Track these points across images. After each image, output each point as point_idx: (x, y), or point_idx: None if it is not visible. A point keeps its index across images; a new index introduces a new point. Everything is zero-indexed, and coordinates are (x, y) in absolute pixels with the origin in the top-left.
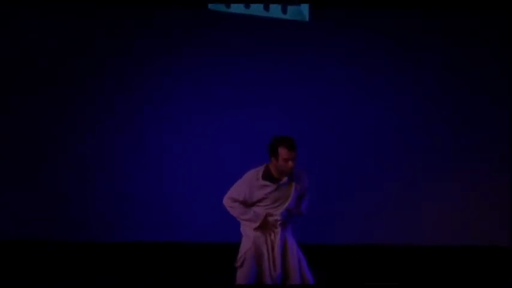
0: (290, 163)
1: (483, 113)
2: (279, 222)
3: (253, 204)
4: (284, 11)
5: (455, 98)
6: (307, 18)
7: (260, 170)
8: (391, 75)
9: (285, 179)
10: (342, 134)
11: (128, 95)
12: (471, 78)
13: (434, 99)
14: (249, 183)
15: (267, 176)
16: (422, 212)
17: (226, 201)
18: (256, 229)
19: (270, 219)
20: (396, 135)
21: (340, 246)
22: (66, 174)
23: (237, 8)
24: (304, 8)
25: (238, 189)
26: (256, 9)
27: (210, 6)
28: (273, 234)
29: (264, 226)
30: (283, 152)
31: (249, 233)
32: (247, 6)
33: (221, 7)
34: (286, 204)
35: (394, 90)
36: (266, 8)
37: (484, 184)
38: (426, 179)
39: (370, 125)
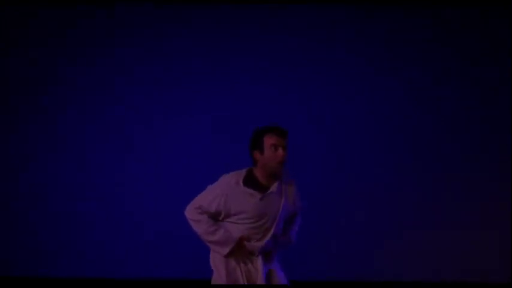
0: (280, 151)
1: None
2: (258, 251)
3: (227, 218)
4: None
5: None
6: None
7: (241, 173)
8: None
9: (274, 186)
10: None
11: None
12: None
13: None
14: (225, 189)
15: (251, 181)
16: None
17: (190, 211)
18: (228, 258)
19: (248, 245)
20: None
21: (327, 282)
22: None
23: None
24: None
25: (209, 197)
26: None
27: None
28: (251, 266)
29: (239, 253)
30: (270, 139)
31: (219, 267)
32: None
33: None
34: (274, 226)
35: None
36: None
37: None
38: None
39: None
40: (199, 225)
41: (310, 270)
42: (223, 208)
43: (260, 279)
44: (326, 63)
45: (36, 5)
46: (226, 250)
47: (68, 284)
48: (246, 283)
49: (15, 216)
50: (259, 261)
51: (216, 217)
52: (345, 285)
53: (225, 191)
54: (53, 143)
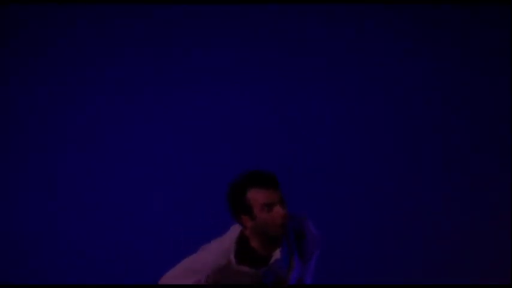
0: (278, 209)
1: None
2: None
3: None
4: None
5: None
6: None
7: (230, 242)
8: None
9: (276, 254)
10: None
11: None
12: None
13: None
14: (212, 273)
15: (246, 254)
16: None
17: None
18: None
19: None
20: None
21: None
22: None
23: None
24: None
25: (190, 275)
26: None
27: None
28: None
29: None
30: (256, 196)
31: None
32: None
33: None
34: None
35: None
36: None
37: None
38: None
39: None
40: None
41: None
42: None
43: None
44: (325, 64)
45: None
46: None
47: None
48: None
49: None
50: None
51: None
52: None
53: (211, 276)
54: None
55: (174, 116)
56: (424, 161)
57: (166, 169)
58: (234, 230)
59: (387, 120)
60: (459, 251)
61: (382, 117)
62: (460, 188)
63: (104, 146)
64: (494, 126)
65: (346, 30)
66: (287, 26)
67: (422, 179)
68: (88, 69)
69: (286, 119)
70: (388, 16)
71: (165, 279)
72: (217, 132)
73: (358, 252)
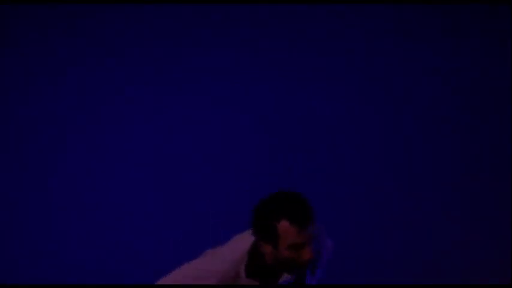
0: (306, 251)
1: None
2: None
3: None
4: None
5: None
6: None
7: (241, 253)
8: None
9: (288, 276)
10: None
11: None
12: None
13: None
14: (218, 281)
15: (256, 267)
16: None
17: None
18: None
19: None
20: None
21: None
22: None
23: None
24: None
25: (192, 282)
26: None
27: None
28: None
29: None
30: (287, 232)
31: None
32: None
33: None
34: None
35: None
36: None
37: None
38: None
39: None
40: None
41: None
42: None
43: None
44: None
45: None
46: None
47: None
48: None
49: None
50: None
51: None
52: None
53: (216, 283)
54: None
55: (173, 116)
56: (424, 161)
57: (165, 169)
58: (245, 239)
59: (387, 121)
60: (459, 251)
61: (382, 117)
62: (460, 187)
63: (104, 146)
64: (495, 126)
65: (347, 30)
66: (287, 26)
67: (422, 179)
68: (86, 68)
69: (286, 119)
70: (388, 16)
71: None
72: (217, 132)
73: (358, 252)
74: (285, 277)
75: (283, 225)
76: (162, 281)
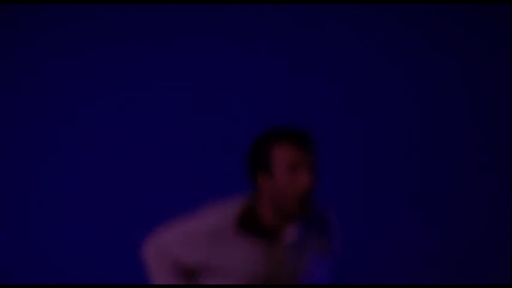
0: (303, 174)
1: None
2: None
3: (203, 278)
4: None
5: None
6: None
7: (234, 207)
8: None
9: (290, 232)
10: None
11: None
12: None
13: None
14: (208, 234)
15: (250, 221)
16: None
17: (151, 247)
18: None
19: None
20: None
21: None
22: None
23: None
24: None
25: (181, 238)
26: None
27: None
28: None
29: None
30: (283, 152)
31: None
32: None
33: None
34: None
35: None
36: None
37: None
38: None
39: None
40: (157, 271)
41: None
42: (201, 262)
43: None
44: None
45: None
46: None
47: None
48: None
49: None
50: None
51: (184, 272)
52: None
53: (207, 237)
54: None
55: (173, 116)
56: (424, 161)
57: (164, 168)
58: (217, 213)
59: (387, 120)
60: (459, 251)
61: (382, 117)
62: (460, 187)
63: (104, 145)
64: (495, 126)
65: (346, 30)
66: (286, 25)
67: (422, 179)
68: (85, 67)
69: (285, 120)
70: (387, 16)
71: (155, 245)
72: (218, 132)
73: (358, 252)
74: (288, 233)
75: (276, 148)
76: (155, 242)
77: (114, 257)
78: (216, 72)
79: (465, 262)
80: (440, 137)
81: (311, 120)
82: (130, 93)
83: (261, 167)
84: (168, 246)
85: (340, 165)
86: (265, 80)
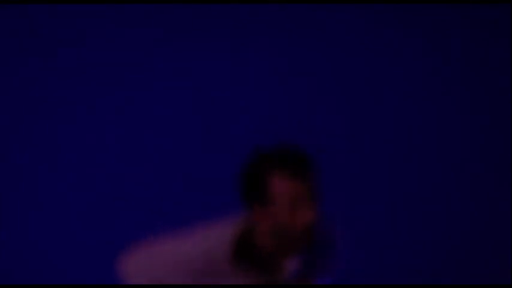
0: (303, 210)
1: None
2: None
3: None
4: None
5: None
6: None
7: (227, 231)
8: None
9: (291, 263)
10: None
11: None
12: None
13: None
14: (202, 264)
15: (246, 249)
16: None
17: (131, 265)
18: None
19: None
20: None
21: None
22: None
23: None
24: None
25: (170, 263)
26: None
27: None
28: None
29: None
30: (280, 183)
31: None
32: None
33: None
34: None
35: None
36: None
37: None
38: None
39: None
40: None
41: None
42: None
43: None
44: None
45: None
46: None
47: None
48: None
49: None
50: None
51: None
52: None
53: (201, 266)
54: None
55: (172, 116)
56: (424, 161)
57: (165, 168)
58: (234, 218)
59: (387, 120)
60: (459, 251)
61: (382, 117)
62: (460, 187)
63: (103, 144)
64: (495, 126)
65: (346, 30)
66: (286, 25)
67: (422, 179)
68: (85, 67)
69: (286, 119)
70: (387, 16)
71: (136, 263)
72: (218, 132)
73: (357, 252)
74: (284, 268)
75: (273, 175)
76: (134, 265)
77: (114, 257)
78: (216, 72)
79: (465, 262)
80: (440, 137)
81: (311, 120)
82: (131, 93)
83: (258, 198)
84: (153, 266)
85: (340, 165)
86: (265, 80)
